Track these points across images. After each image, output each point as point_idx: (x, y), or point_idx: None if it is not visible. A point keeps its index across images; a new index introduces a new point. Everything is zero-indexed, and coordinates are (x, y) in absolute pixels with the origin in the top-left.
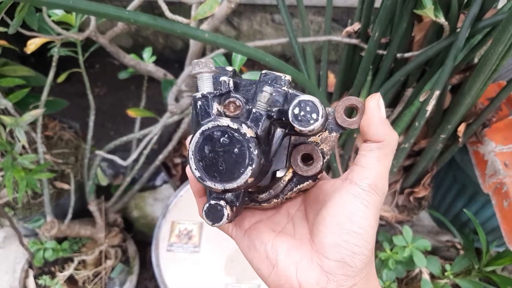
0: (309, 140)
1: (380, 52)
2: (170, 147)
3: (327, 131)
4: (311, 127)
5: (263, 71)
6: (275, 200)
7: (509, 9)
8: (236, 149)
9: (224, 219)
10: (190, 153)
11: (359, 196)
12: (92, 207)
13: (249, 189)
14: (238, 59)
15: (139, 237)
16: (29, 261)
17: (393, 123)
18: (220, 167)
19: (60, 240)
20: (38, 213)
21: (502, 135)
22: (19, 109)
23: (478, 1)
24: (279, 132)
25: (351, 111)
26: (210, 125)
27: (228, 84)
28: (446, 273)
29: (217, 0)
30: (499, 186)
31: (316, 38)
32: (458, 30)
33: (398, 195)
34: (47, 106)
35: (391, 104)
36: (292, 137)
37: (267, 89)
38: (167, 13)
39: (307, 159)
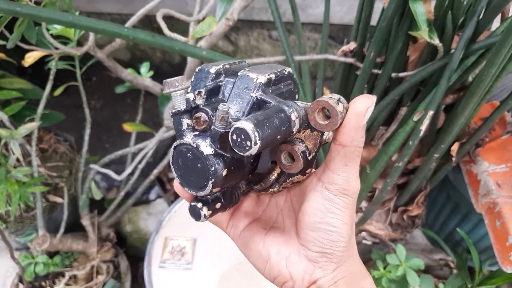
0: (294, 137)
1: (375, 71)
2: (165, 161)
3: (309, 129)
4: (247, 153)
5: (240, 72)
6: (271, 190)
7: (502, 31)
8: (198, 164)
9: (202, 217)
10: (171, 163)
11: (331, 200)
12: (85, 221)
13: (246, 179)
14: None
15: (131, 252)
16: (20, 276)
17: (388, 142)
18: (191, 178)
19: (51, 254)
20: (31, 226)
21: (495, 155)
22: (15, 122)
23: (472, 23)
24: None
25: (325, 116)
26: (178, 142)
27: (194, 101)
28: None
29: (215, 20)
30: (492, 206)
31: (312, 57)
32: (452, 51)
33: (391, 213)
34: (43, 119)
35: (385, 123)
36: None
37: (222, 108)
38: (166, 31)
39: (291, 158)
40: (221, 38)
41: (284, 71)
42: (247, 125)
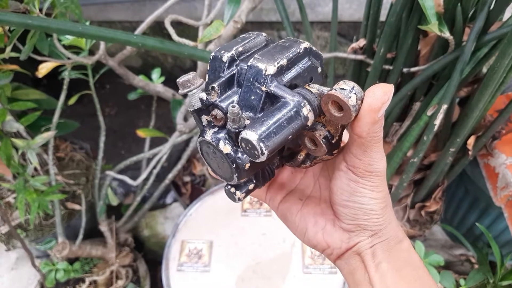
0: (316, 121)
1: (386, 67)
2: (179, 165)
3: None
4: (258, 161)
5: (250, 62)
6: (303, 165)
7: None
8: (222, 160)
9: (237, 200)
10: (200, 154)
11: (356, 181)
12: (103, 227)
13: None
14: None
15: (150, 256)
16: (41, 282)
17: (402, 138)
18: (220, 168)
19: (71, 261)
20: (50, 234)
21: None
22: (31, 132)
23: (483, 14)
24: None
25: (339, 107)
26: (200, 139)
27: (207, 99)
28: None
29: (222, 23)
30: (511, 199)
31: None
32: (464, 43)
33: (409, 209)
34: (58, 128)
35: (399, 119)
36: None
37: (231, 110)
38: (174, 36)
39: (314, 143)
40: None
41: (299, 51)
42: (252, 136)
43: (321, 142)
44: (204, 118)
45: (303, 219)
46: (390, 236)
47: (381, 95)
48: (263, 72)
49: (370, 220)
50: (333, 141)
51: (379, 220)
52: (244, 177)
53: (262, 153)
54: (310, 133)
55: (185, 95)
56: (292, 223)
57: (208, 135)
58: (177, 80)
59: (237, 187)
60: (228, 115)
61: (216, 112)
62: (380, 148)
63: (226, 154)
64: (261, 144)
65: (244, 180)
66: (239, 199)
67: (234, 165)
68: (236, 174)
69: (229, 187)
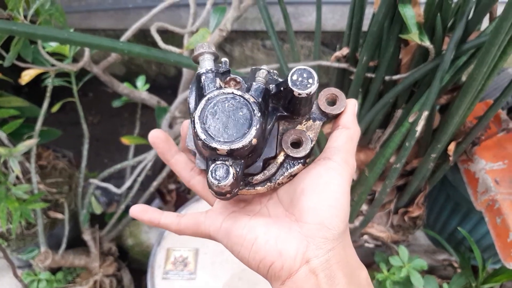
0: (296, 128)
1: (369, 75)
2: (164, 173)
3: (311, 120)
4: (308, 90)
5: (252, 67)
6: (268, 184)
7: (492, 31)
8: (241, 112)
9: (230, 176)
10: (196, 118)
11: (334, 168)
12: (86, 236)
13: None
14: None
15: (134, 265)
16: None
17: (385, 144)
18: (226, 129)
19: (54, 271)
20: (32, 243)
21: (492, 152)
22: (13, 140)
23: (462, 24)
24: (270, 120)
25: (330, 103)
26: (216, 92)
27: (228, 64)
28: None
29: (208, 30)
30: (491, 203)
31: (306, 63)
32: (444, 52)
33: (392, 215)
34: (41, 136)
35: (381, 126)
36: (280, 127)
37: (264, 67)
38: (160, 43)
39: (295, 145)
40: (216, 49)
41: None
42: (308, 67)
43: (308, 138)
44: (218, 80)
45: (252, 230)
46: (349, 258)
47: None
48: (271, 71)
49: (335, 220)
50: (311, 145)
51: (342, 223)
52: (258, 135)
53: (317, 81)
54: (298, 131)
55: (196, 60)
56: (237, 238)
57: (229, 89)
58: (197, 44)
59: (234, 161)
60: (262, 71)
61: (235, 76)
62: (355, 150)
63: (253, 102)
64: (316, 74)
65: (252, 145)
66: (233, 174)
67: (259, 114)
68: (256, 127)
69: (220, 161)
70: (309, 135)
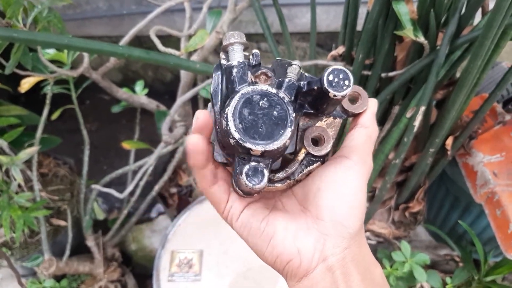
0: (316, 125)
1: (365, 72)
2: (165, 177)
3: (331, 117)
4: (344, 92)
5: (277, 58)
6: (288, 181)
7: (484, 25)
8: (275, 112)
9: (265, 179)
10: (230, 115)
11: (351, 167)
12: (90, 242)
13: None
14: None
15: (138, 270)
16: None
17: (383, 140)
18: (260, 129)
19: (58, 278)
20: (36, 251)
21: (489, 145)
22: (14, 148)
23: (455, 19)
24: (300, 113)
25: (352, 101)
26: (249, 89)
27: (259, 56)
28: (447, 286)
29: (207, 32)
30: (491, 196)
31: (303, 63)
32: (438, 47)
33: (393, 211)
34: (41, 144)
35: (379, 123)
36: (300, 123)
37: (297, 62)
38: (160, 46)
39: (315, 143)
40: (212, 53)
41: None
42: (343, 67)
43: (330, 136)
44: (250, 74)
45: (270, 224)
46: (364, 255)
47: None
48: (293, 63)
49: (351, 218)
50: (331, 143)
51: (358, 221)
52: (291, 137)
53: (353, 83)
54: (320, 128)
55: (225, 50)
56: (255, 230)
57: (263, 85)
58: (227, 33)
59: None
60: (294, 66)
61: (266, 70)
62: (372, 150)
63: (288, 101)
64: (352, 76)
65: (286, 146)
66: (268, 177)
67: (294, 114)
68: (291, 128)
69: (255, 163)
70: (329, 133)
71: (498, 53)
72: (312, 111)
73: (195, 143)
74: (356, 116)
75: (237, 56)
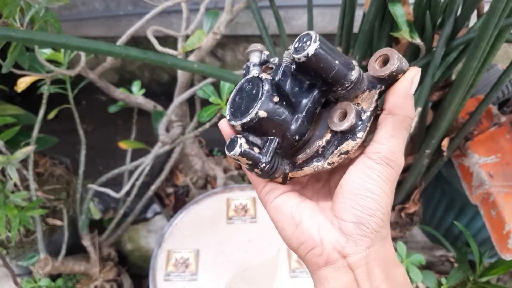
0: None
1: None
2: (162, 176)
3: (367, 91)
4: (305, 53)
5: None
6: (315, 163)
7: (480, 27)
8: (254, 91)
9: (237, 147)
10: (228, 105)
11: (372, 167)
12: (86, 241)
13: (285, 148)
14: (226, 87)
15: (134, 270)
16: None
17: None
18: (242, 108)
19: (54, 277)
20: (31, 251)
21: (485, 147)
22: (10, 148)
23: (450, 21)
24: (306, 96)
25: (383, 65)
26: (242, 80)
27: (265, 55)
28: (442, 287)
29: (204, 32)
30: (486, 197)
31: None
32: (434, 49)
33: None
34: (37, 143)
35: None
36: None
37: (291, 46)
38: (157, 46)
39: (342, 119)
40: (208, 55)
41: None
42: (311, 32)
43: (352, 108)
44: (255, 71)
45: (299, 211)
46: (387, 255)
47: (413, 71)
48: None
49: (372, 219)
50: (363, 117)
51: (381, 222)
52: (263, 108)
53: (315, 41)
54: (344, 103)
55: (247, 57)
56: (285, 215)
57: (252, 73)
58: (252, 44)
59: (245, 138)
60: (288, 51)
61: (269, 64)
62: (404, 141)
63: (265, 78)
64: (317, 36)
65: (259, 118)
66: (240, 145)
67: (267, 87)
68: (262, 99)
69: (233, 136)
70: (362, 107)
71: (493, 55)
72: (326, 88)
73: (222, 123)
74: (394, 81)
75: (251, 59)
